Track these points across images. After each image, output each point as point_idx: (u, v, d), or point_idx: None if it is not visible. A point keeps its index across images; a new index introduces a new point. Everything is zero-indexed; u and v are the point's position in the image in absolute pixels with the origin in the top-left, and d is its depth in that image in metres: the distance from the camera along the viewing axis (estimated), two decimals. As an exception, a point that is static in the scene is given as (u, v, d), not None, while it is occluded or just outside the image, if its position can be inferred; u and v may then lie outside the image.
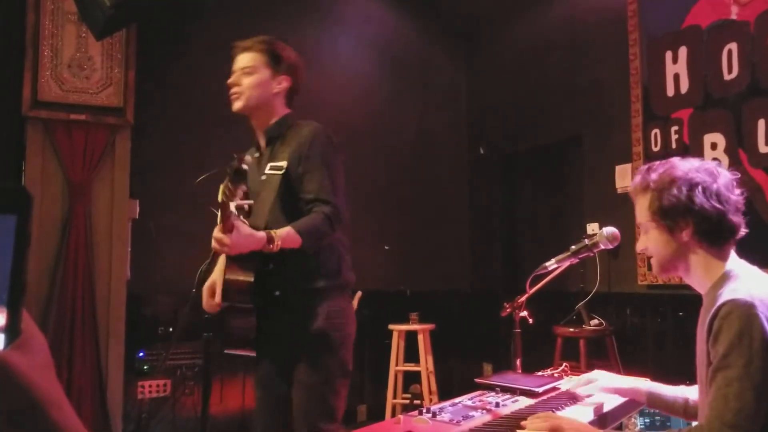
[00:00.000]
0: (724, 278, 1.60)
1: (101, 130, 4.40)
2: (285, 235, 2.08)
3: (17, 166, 4.26)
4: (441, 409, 1.83)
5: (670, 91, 4.26)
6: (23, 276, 0.54)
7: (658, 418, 3.63)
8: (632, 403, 2.07)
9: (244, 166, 1.93)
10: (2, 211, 0.54)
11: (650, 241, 1.71)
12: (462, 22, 6.16)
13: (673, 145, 4.22)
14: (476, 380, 2.21)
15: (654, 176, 1.67)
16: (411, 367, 5.14)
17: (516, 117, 5.68)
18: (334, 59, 5.54)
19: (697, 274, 1.67)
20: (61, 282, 4.15)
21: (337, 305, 2.26)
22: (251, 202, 2.17)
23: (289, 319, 2.23)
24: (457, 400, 1.99)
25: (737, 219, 1.63)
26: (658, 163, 1.71)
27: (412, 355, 5.14)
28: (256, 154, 2.44)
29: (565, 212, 5.18)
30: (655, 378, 2.47)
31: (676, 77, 4.23)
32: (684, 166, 1.65)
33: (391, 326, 5.13)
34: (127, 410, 4.39)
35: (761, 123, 3.73)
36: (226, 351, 2.32)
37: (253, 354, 2.30)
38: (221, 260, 2.31)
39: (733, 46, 3.89)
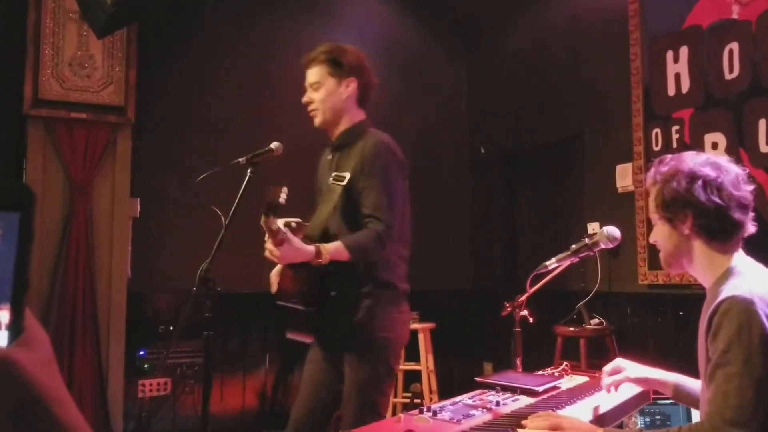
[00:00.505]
0: (727, 274, 1.60)
1: (102, 128, 4.40)
2: (333, 249, 2.21)
3: (18, 165, 4.27)
4: (441, 408, 1.83)
5: (671, 91, 4.25)
6: (26, 273, 0.54)
7: (658, 417, 3.62)
8: (632, 403, 2.07)
9: (280, 200, 2.07)
10: (5, 209, 0.53)
11: (657, 234, 1.73)
12: (463, 21, 6.16)
13: (674, 145, 4.22)
14: (477, 379, 2.21)
15: (663, 168, 1.68)
16: (411, 366, 5.14)
17: (517, 116, 5.68)
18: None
19: (700, 268, 1.68)
20: (62, 280, 4.16)
21: (385, 310, 2.36)
22: (299, 220, 2.30)
23: (341, 318, 2.35)
24: (457, 398, 1.99)
25: (740, 215, 1.61)
26: (671, 156, 1.72)
27: (412, 354, 5.14)
28: (329, 156, 2.53)
29: (566, 212, 5.18)
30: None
31: (677, 77, 4.22)
32: (691, 159, 1.65)
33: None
34: (127, 409, 4.40)
35: (762, 123, 3.72)
36: (287, 335, 2.53)
37: (310, 341, 2.48)
38: None
39: (735, 45, 3.88)
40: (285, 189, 2.07)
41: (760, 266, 1.65)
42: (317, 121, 2.48)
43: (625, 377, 1.95)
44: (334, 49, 2.45)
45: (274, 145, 2.86)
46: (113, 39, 4.38)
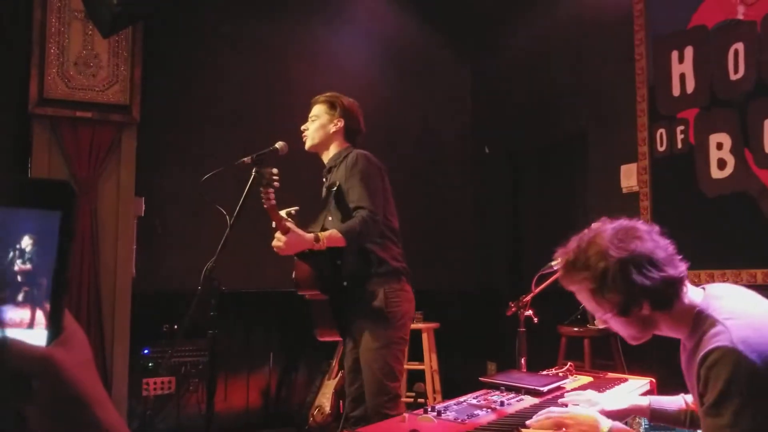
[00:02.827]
0: (700, 320, 1.55)
1: (107, 127, 4.41)
2: (329, 235, 2.66)
3: (23, 164, 4.28)
4: (446, 408, 1.83)
5: (676, 91, 4.25)
6: (66, 273, 0.54)
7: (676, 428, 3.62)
8: (635, 410, 2.06)
9: (274, 176, 2.50)
10: (47, 207, 0.53)
11: (612, 324, 1.66)
12: (468, 21, 6.16)
13: (679, 145, 4.21)
14: (481, 379, 2.21)
15: (578, 271, 1.60)
16: (415, 366, 5.14)
17: (521, 116, 5.67)
18: (340, 58, 5.54)
19: (670, 330, 1.64)
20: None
21: (391, 287, 2.79)
22: (297, 207, 2.78)
23: (357, 303, 2.77)
24: (462, 398, 1.99)
25: (678, 270, 1.56)
26: (573, 245, 1.64)
27: (416, 353, 5.14)
28: (324, 179, 3.06)
29: (571, 212, 5.17)
30: (660, 378, 2.47)
31: (682, 77, 4.22)
32: (603, 244, 1.57)
33: (395, 325, 5.12)
34: (131, 407, 4.41)
35: (767, 123, 3.71)
36: (319, 338, 2.94)
37: (339, 339, 2.93)
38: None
39: (740, 46, 3.87)
40: (274, 170, 2.54)
41: (725, 295, 1.59)
42: (307, 144, 3.06)
43: (600, 409, 1.90)
44: (334, 96, 3.07)
45: (279, 144, 2.88)
46: (118, 38, 4.39)
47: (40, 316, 0.53)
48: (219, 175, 2.77)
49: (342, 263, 2.78)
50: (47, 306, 0.53)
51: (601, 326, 1.72)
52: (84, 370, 0.56)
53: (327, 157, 3.06)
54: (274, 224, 2.64)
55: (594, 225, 1.67)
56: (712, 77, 4.04)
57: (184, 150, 4.78)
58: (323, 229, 2.76)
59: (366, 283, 2.79)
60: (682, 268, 1.58)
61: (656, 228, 1.61)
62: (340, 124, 3.02)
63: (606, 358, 4.16)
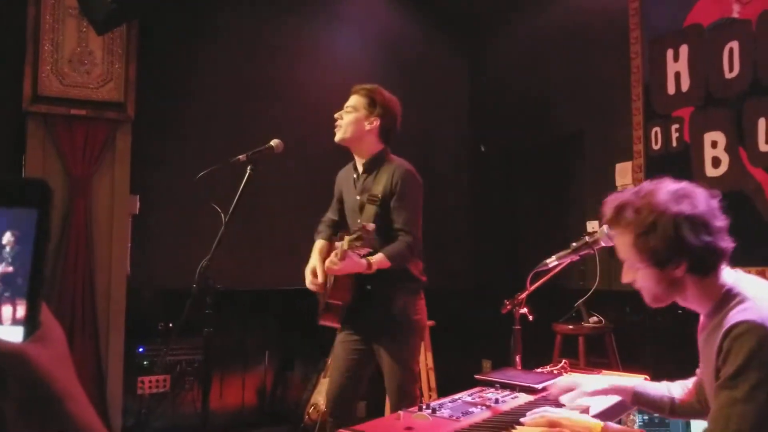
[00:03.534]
0: (728, 297, 1.55)
1: (102, 125, 4.39)
2: (379, 260, 2.70)
3: (18, 162, 4.26)
4: (441, 406, 1.83)
5: (671, 90, 4.25)
6: (43, 269, 0.54)
7: (657, 415, 3.63)
8: (621, 406, 2.06)
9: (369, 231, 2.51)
10: (24, 205, 0.54)
11: (639, 278, 1.65)
12: (464, 19, 6.15)
13: (674, 144, 4.22)
14: (476, 377, 2.22)
15: (631, 214, 1.58)
16: (410, 364, 5.14)
17: (517, 114, 5.68)
18: (335, 55, 5.53)
19: (695, 300, 1.63)
20: (61, 277, 4.15)
21: (414, 298, 2.88)
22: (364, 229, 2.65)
23: (381, 309, 2.80)
24: (456, 396, 2.00)
25: (726, 244, 1.57)
26: (629, 193, 1.63)
27: (411, 351, 5.15)
28: (354, 175, 3.00)
29: (566, 210, 5.18)
30: (655, 375, 2.47)
31: (677, 75, 4.22)
32: (662, 196, 1.56)
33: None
34: (126, 405, 4.40)
35: (762, 122, 3.72)
36: (320, 322, 2.89)
37: (338, 326, 2.91)
38: (316, 247, 3.00)
39: (735, 44, 3.88)
40: (372, 226, 2.56)
41: (756, 281, 1.61)
42: (338, 135, 2.92)
43: (581, 393, 1.90)
44: (376, 91, 2.96)
45: (274, 142, 2.88)
46: (113, 35, 4.37)
47: (17, 312, 0.53)
48: (214, 173, 2.77)
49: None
50: (24, 302, 0.54)
51: (624, 281, 1.70)
52: (59, 366, 0.56)
53: (360, 154, 2.99)
54: (335, 254, 2.65)
55: (655, 180, 1.66)
56: (707, 76, 4.05)
57: (179, 147, 4.77)
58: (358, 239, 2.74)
59: (390, 291, 2.82)
60: (729, 244, 1.58)
61: (717, 199, 1.61)
62: (376, 123, 2.92)
63: (600, 356, 4.17)
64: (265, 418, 5.01)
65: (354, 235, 2.52)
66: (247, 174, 2.77)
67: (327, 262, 2.67)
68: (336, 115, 2.94)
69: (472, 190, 6.15)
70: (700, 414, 1.88)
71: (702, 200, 1.56)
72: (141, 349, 4.48)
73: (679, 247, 1.53)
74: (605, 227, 2.26)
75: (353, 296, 2.78)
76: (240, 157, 2.79)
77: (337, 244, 2.68)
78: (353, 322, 2.88)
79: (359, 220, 2.84)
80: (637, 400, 1.92)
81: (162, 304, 4.58)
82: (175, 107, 4.84)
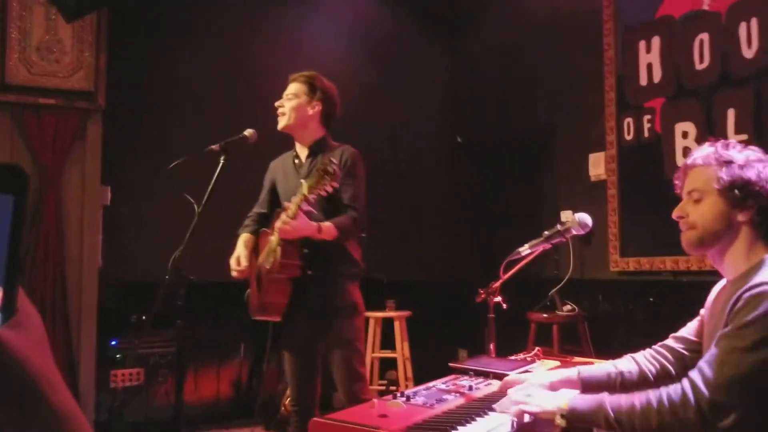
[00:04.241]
0: (762, 264, 1.55)
1: (72, 114, 4.32)
2: (328, 227, 2.67)
3: (-15, 152, 4.18)
4: (415, 393, 1.84)
5: (644, 81, 4.30)
6: (20, 254, 0.54)
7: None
8: (565, 382, 2.06)
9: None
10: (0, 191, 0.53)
11: (700, 210, 1.65)
12: (441, 10, 6.15)
13: (646, 134, 4.27)
14: (450, 364, 2.23)
15: (733, 153, 1.62)
16: (387, 354, 5.16)
17: (493, 106, 5.70)
18: (313, 43, 5.49)
19: (736, 256, 1.62)
20: (32, 269, 4.09)
21: (355, 282, 2.90)
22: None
23: (326, 292, 2.78)
24: (431, 384, 2.00)
25: None
26: (731, 142, 1.68)
27: (388, 342, 5.16)
28: (296, 161, 2.99)
29: (540, 200, 5.22)
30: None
31: (650, 67, 4.27)
32: (750, 151, 1.63)
33: (367, 313, 5.13)
34: (99, 399, 4.34)
35: (731, 112, 3.78)
36: (256, 318, 2.89)
37: (278, 319, 2.84)
38: (242, 240, 3.02)
39: (705, 36, 3.93)
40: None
41: None
42: (281, 123, 2.92)
43: (529, 388, 1.83)
44: (315, 77, 2.95)
45: (248, 132, 2.86)
46: (83, 23, 4.29)
47: None
48: (187, 163, 2.74)
49: (311, 253, 2.74)
50: (0, 288, 0.53)
51: (675, 214, 1.71)
52: (37, 352, 0.55)
53: (302, 141, 2.97)
54: (288, 206, 2.60)
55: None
56: (678, 67, 4.10)
57: (151, 138, 4.70)
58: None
59: (336, 278, 2.82)
60: None
61: None
62: (318, 108, 2.91)
63: (574, 344, 4.22)
64: (241, 410, 4.98)
65: (311, 179, 2.48)
66: (220, 164, 2.74)
67: (278, 222, 2.60)
68: (277, 104, 2.93)
69: (448, 181, 6.17)
70: (651, 383, 1.86)
71: None
72: (114, 342, 4.43)
73: (759, 193, 1.56)
74: (577, 214, 2.28)
75: (291, 297, 2.75)
76: (213, 147, 2.76)
77: (287, 204, 2.62)
78: (296, 314, 2.81)
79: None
80: (587, 387, 1.92)
81: (135, 297, 4.53)
82: (147, 97, 4.78)
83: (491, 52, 5.76)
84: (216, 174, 2.71)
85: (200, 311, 4.52)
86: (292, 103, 2.89)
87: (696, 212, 1.66)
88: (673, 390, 1.45)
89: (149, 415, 4.47)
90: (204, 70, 5.03)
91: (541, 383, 1.87)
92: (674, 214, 1.72)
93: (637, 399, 1.47)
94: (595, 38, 4.63)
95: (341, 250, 2.80)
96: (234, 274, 2.89)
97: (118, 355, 4.42)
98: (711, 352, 1.47)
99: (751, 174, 1.58)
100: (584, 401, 1.56)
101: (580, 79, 4.81)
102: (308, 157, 2.93)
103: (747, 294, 1.44)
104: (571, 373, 1.91)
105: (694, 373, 1.46)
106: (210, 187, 2.71)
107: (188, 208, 2.71)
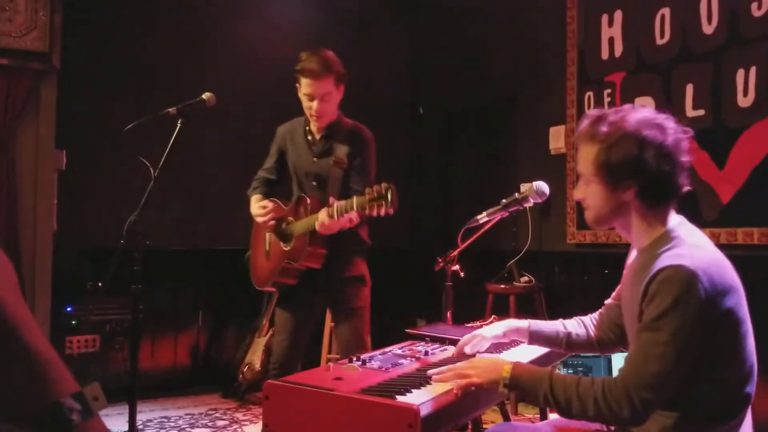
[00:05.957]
0: (665, 238, 1.56)
1: (25, 76, 4.20)
2: (356, 218, 2.69)
3: (-68, 112, 4.02)
4: (371, 358, 1.85)
5: (605, 55, 4.33)
6: None
7: (580, 368, 3.78)
8: (554, 354, 2.13)
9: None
10: None
11: (590, 193, 1.66)
12: (404, -22, 6.08)
13: (606, 108, 4.31)
14: (407, 330, 2.25)
15: (603, 128, 1.60)
16: (346, 323, 5.17)
17: (455, 77, 5.69)
18: (272, 11, 5.39)
19: (634, 231, 1.64)
20: (-17, 234, 3.99)
21: (364, 260, 3.09)
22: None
23: (342, 269, 2.94)
24: (387, 349, 2.02)
25: (683, 179, 1.58)
26: (610, 111, 1.65)
27: (347, 311, 5.17)
28: (309, 138, 2.97)
29: (500, 172, 5.26)
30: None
31: (611, 41, 4.30)
32: (635, 118, 1.58)
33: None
34: (54, 366, 4.29)
35: (689, 88, 3.84)
36: (260, 288, 3.06)
37: (274, 290, 3.01)
38: (256, 199, 3.01)
39: (666, 11, 3.97)
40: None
41: (696, 231, 1.62)
42: (322, 123, 2.90)
43: (481, 337, 1.96)
44: (335, 62, 2.90)
45: (206, 95, 2.80)
46: (36, -19, 4.14)
47: None
48: (143, 127, 2.68)
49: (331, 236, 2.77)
50: None
51: (576, 196, 1.72)
52: (9, 293, 0.54)
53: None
54: (333, 203, 2.60)
55: (639, 105, 1.69)
56: (639, 41, 4.14)
57: (107, 100, 4.58)
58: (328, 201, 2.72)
59: (347, 255, 2.95)
60: (687, 185, 1.59)
61: (688, 136, 1.61)
62: (342, 93, 2.95)
63: (530, 314, 4.29)
64: (198, 377, 4.97)
65: (368, 197, 2.48)
66: (177, 128, 2.69)
67: (323, 215, 2.59)
68: (316, 110, 2.84)
69: (409, 151, 6.17)
70: (595, 347, 1.97)
71: (672, 133, 1.57)
72: (69, 309, 4.37)
73: (636, 169, 1.54)
74: (535, 182, 2.31)
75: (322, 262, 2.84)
76: (170, 110, 2.70)
77: (332, 200, 2.61)
78: (307, 285, 2.89)
79: (325, 187, 2.89)
80: (534, 338, 1.98)
81: (90, 263, 4.46)
82: (103, 58, 4.65)
83: (453, 24, 5.73)
84: (173, 138, 2.66)
85: (158, 279, 4.47)
86: (329, 105, 2.87)
87: (587, 195, 1.67)
88: (610, 384, 1.47)
89: (105, 382, 4.33)
90: (161, 32, 4.91)
91: (493, 333, 1.96)
92: (575, 196, 1.75)
93: (580, 385, 1.49)
94: (558, 11, 4.64)
95: (352, 229, 2.83)
96: (262, 215, 2.91)
97: (73, 322, 4.36)
98: (633, 348, 1.51)
99: (619, 153, 1.56)
100: (528, 374, 1.58)
101: (543, 51, 4.83)
102: (323, 137, 2.94)
103: (654, 284, 1.45)
104: (522, 324, 1.98)
105: (625, 369, 1.49)
106: (167, 151, 2.65)
107: (145, 172, 2.65)
